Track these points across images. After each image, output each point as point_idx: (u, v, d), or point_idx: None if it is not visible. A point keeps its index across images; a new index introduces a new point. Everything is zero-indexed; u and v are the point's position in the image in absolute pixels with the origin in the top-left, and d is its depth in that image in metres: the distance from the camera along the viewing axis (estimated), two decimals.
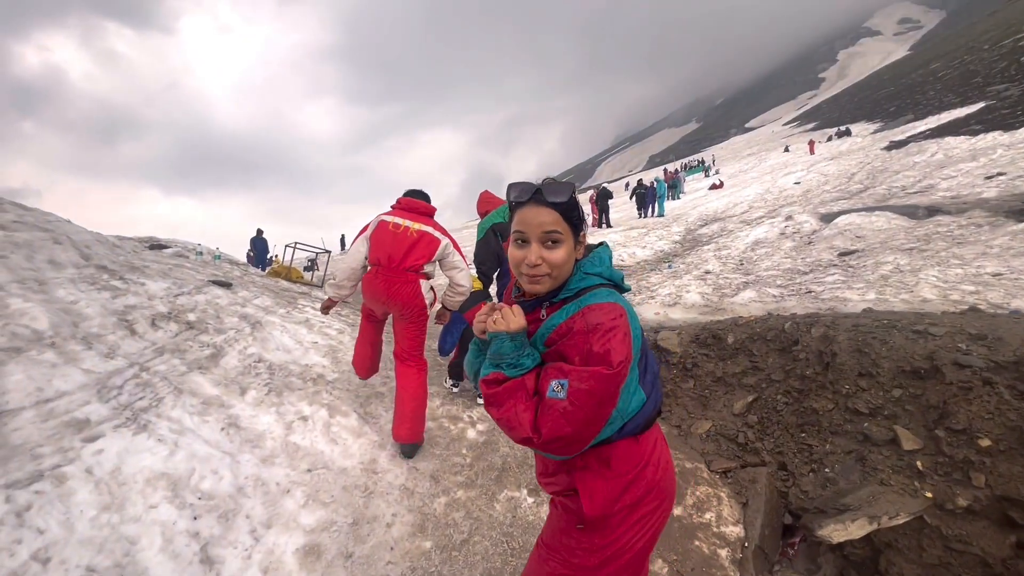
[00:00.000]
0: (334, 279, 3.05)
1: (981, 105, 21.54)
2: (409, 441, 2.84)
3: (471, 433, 3.23)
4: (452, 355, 3.90)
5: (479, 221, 3.67)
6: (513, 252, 1.11)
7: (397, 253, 2.79)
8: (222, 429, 2.60)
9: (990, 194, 9.67)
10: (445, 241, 2.92)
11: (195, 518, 2.04)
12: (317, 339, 4.37)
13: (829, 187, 15.82)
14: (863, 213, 9.50)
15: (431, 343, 4.11)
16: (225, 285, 4.89)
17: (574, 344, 1.03)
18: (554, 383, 1.02)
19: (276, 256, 12.46)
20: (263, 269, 9.82)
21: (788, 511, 2.55)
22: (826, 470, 2.54)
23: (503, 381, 1.07)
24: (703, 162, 39.06)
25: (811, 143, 27.60)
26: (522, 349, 1.09)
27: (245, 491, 2.30)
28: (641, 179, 19.56)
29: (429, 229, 2.89)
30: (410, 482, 2.66)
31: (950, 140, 16.24)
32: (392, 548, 2.23)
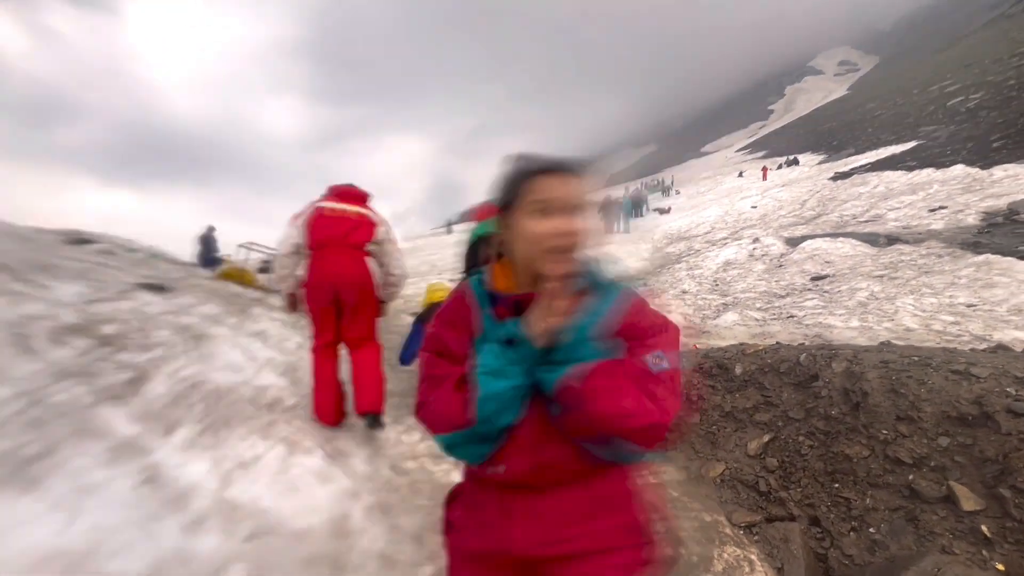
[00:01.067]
0: (274, 274, 2.98)
1: (914, 144, 23.24)
2: (371, 411, 2.80)
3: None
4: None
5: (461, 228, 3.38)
6: (534, 225, 0.93)
7: (339, 232, 2.77)
8: (138, 485, 2.00)
9: (938, 226, 10.17)
10: (385, 225, 2.95)
11: None
12: (274, 355, 3.76)
13: (784, 212, 16.41)
14: (827, 238, 9.75)
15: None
16: (159, 289, 4.17)
17: (638, 327, 0.97)
18: (650, 357, 0.93)
19: (228, 256, 11.33)
20: (212, 270, 8.84)
21: None
22: (870, 530, 2.24)
23: (588, 370, 0.89)
24: (662, 182, 40.21)
25: (764, 169, 28.90)
26: None
27: (165, 571, 1.72)
28: (608, 195, 19.66)
29: (366, 212, 2.92)
30: (391, 547, 2.14)
31: (889, 174, 17.29)
32: None
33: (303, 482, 2.33)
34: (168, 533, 1.87)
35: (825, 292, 6.67)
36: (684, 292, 7.74)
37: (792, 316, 5.91)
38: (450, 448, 1.00)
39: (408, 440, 2.90)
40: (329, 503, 2.25)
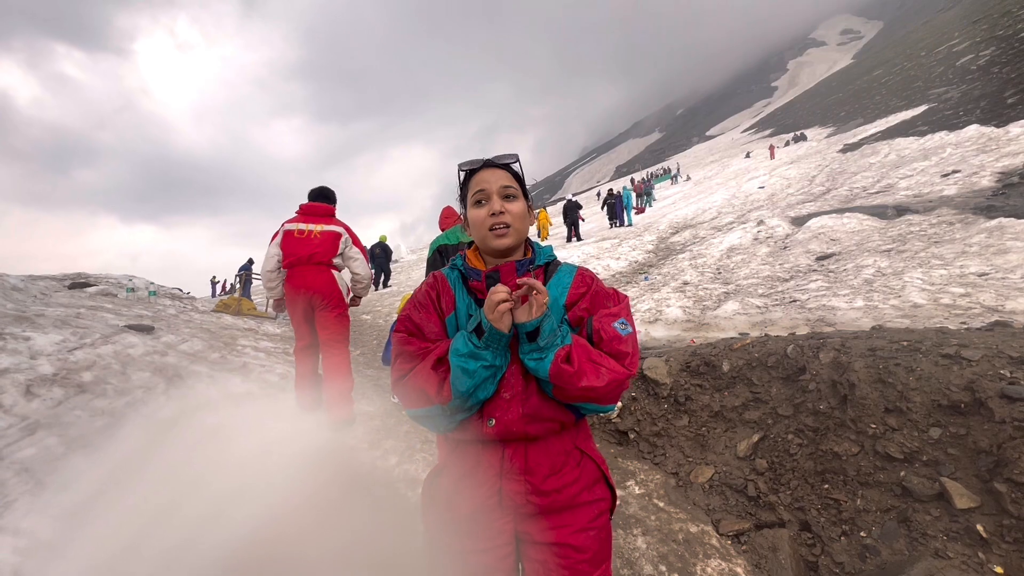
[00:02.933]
0: (264, 286, 3.42)
1: (924, 108, 22.49)
2: (342, 419, 3.24)
3: None
4: None
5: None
6: (475, 213, 1.16)
7: (305, 252, 3.26)
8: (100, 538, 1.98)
9: (951, 191, 9.76)
10: (344, 236, 3.41)
11: None
12: (253, 387, 3.75)
13: (792, 190, 15.99)
14: (833, 215, 9.42)
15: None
16: (145, 330, 4.21)
17: (599, 295, 1.17)
18: (616, 323, 1.11)
19: (236, 284, 11.43)
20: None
21: None
22: (861, 534, 2.10)
23: (569, 352, 1.05)
24: (669, 170, 39.67)
25: (771, 147, 28.29)
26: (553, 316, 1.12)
27: None
28: (612, 188, 19.42)
29: (331, 227, 3.38)
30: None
31: (900, 141, 16.73)
32: None
33: None
34: None
35: (830, 272, 6.42)
36: (685, 284, 7.54)
37: (795, 300, 5.70)
38: (424, 420, 1.09)
39: (383, 465, 2.84)
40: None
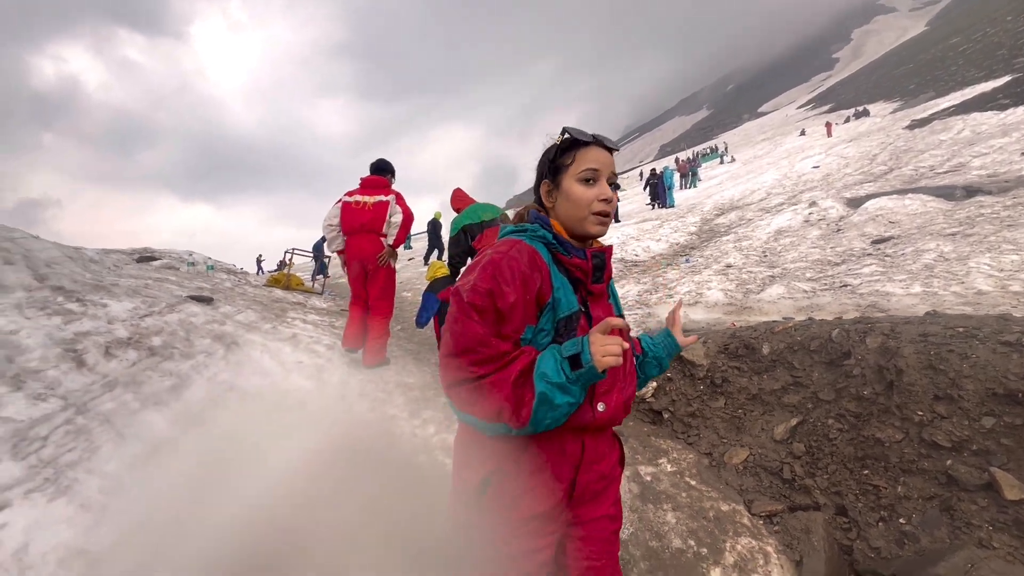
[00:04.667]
0: (327, 240, 4.01)
1: (1008, 78, 20.47)
2: (375, 364, 3.88)
3: None
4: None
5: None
6: (583, 190, 1.06)
7: (358, 222, 3.82)
8: (171, 483, 2.20)
9: None
10: (391, 199, 3.90)
11: None
12: (303, 358, 3.97)
13: (851, 170, 15.05)
14: (894, 196, 8.84)
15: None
16: (205, 301, 4.52)
17: None
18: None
19: (290, 259, 11.96)
20: (324, 275, 9.33)
21: (855, 572, 2.07)
22: (901, 520, 2.06)
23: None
24: (716, 149, 38.08)
25: (828, 125, 26.58)
26: None
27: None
28: (655, 168, 18.91)
29: (381, 198, 3.88)
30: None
31: (977, 116, 15.37)
32: None
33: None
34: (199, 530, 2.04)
35: (887, 256, 6.08)
36: (728, 266, 7.32)
37: (846, 285, 5.44)
38: (484, 428, 0.98)
39: (422, 434, 2.98)
40: None
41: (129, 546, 1.82)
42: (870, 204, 8.57)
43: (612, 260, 1.15)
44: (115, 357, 3.02)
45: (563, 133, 1.10)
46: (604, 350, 0.90)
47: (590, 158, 1.06)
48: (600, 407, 1.03)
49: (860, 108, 33.19)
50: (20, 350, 2.66)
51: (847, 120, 30.73)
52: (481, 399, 0.92)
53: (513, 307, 0.95)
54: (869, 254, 6.40)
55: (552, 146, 1.12)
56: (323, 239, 4.11)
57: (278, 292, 6.56)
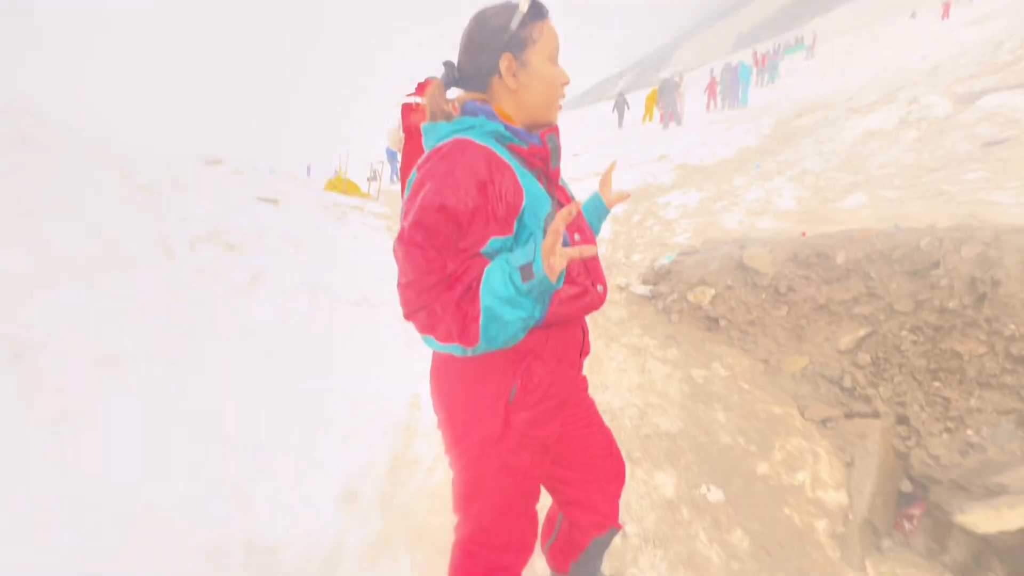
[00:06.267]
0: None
1: None
2: None
3: None
4: None
5: None
6: (556, 70, 0.98)
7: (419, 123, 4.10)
8: (262, 358, 2.47)
9: None
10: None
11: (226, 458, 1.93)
12: (365, 257, 4.16)
13: (966, 60, 12.77)
14: (1018, 91, 7.53)
15: None
16: (272, 202, 4.72)
17: None
18: None
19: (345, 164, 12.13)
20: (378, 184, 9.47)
21: (908, 476, 2.07)
22: (968, 432, 2.00)
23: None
24: (802, 39, 33.27)
25: (946, 5, 22.26)
26: None
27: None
28: (728, 62, 16.95)
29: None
30: None
31: None
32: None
33: (384, 368, 2.67)
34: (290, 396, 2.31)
35: (999, 161, 5.32)
36: (804, 172, 6.69)
37: (941, 193, 4.88)
38: (449, 350, 0.95)
39: None
40: (408, 383, 2.57)
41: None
42: (985, 100, 7.38)
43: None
44: (198, 251, 3.28)
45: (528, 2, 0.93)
46: (552, 253, 0.80)
47: (554, 33, 0.97)
48: (599, 287, 1.04)
49: None
50: (114, 242, 2.93)
51: None
52: (434, 323, 0.87)
53: (473, 216, 0.86)
54: (976, 159, 5.62)
55: (510, 10, 0.94)
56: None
57: (337, 196, 6.74)
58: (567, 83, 0.99)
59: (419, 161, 0.94)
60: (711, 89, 16.24)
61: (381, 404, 2.46)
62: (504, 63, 0.94)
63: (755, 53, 25.29)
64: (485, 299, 0.83)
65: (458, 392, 1.05)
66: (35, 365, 1.95)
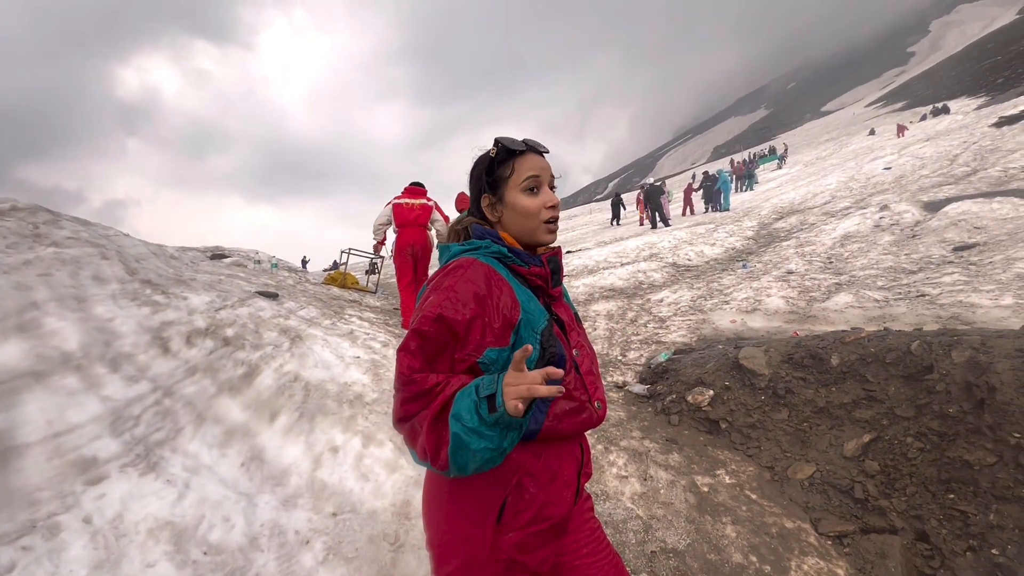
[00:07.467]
0: (374, 228, 5.35)
1: None
2: None
3: None
4: None
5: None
6: (530, 200, 1.04)
7: (411, 217, 5.10)
8: (243, 464, 2.35)
9: None
10: (432, 208, 5.22)
11: None
12: (360, 353, 4.13)
13: (927, 171, 13.96)
14: (979, 200, 8.13)
15: None
16: (271, 296, 4.79)
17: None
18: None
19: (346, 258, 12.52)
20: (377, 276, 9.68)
21: None
22: (993, 551, 1.89)
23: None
24: (775, 150, 36.37)
25: (900, 127, 24.76)
26: None
27: (259, 543, 2.01)
28: (707, 171, 18.31)
29: (424, 201, 5.21)
30: None
31: None
32: None
33: (374, 471, 2.55)
34: (266, 508, 2.18)
35: (971, 265, 5.59)
36: (789, 273, 6.96)
37: (923, 295, 5.05)
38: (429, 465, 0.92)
39: None
40: (395, 489, 2.44)
41: (210, 522, 1.96)
42: (951, 208, 7.94)
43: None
44: (195, 345, 3.25)
45: (496, 144, 1.06)
46: (515, 391, 0.78)
47: (528, 166, 1.05)
48: (597, 405, 1.04)
49: (939, 105, 30.73)
50: (116, 336, 2.92)
51: (923, 118, 28.56)
52: (414, 438, 0.87)
53: (470, 326, 0.90)
54: (950, 262, 5.91)
55: (484, 158, 1.08)
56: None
57: (335, 290, 6.85)
58: (551, 206, 1.05)
59: (431, 276, 1.03)
60: (687, 194, 17.42)
61: (370, 510, 2.31)
62: (484, 202, 1.09)
63: (732, 161, 27.44)
64: (452, 426, 0.82)
65: (443, 507, 1.00)
66: (6, 469, 1.85)
